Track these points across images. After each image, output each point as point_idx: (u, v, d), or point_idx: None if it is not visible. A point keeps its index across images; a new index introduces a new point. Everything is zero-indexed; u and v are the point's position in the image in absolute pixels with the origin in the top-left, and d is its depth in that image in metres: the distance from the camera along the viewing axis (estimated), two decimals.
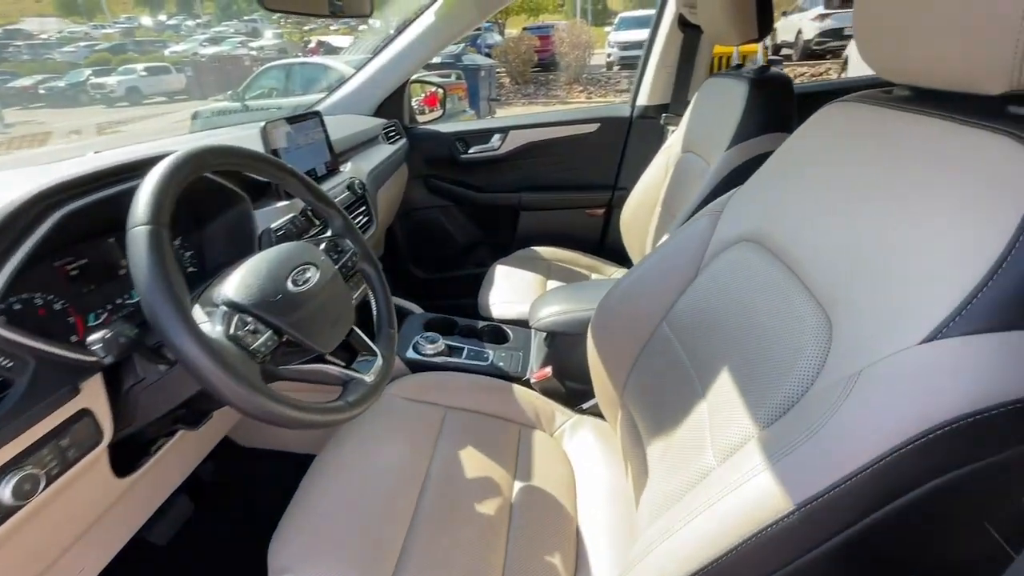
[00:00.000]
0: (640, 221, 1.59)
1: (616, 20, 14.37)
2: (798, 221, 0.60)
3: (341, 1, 0.93)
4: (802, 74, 9.16)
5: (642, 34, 12.69)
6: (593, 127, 1.79)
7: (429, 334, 1.24)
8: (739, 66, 1.34)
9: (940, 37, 0.46)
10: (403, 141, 1.73)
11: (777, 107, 1.15)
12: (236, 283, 0.59)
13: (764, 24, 1.14)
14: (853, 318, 0.46)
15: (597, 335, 0.93)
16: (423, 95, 2.05)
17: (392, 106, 1.75)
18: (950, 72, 0.47)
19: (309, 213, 0.95)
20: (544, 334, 1.19)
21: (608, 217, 1.91)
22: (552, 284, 1.57)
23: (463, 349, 1.23)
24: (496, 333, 1.34)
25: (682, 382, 0.69)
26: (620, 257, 1.83)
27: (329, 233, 0.84)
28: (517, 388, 1.08)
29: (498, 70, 10.63)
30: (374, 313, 0.85)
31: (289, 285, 0.63)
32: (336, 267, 0.74)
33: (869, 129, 0.58)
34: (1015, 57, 0.40)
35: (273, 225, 0.87)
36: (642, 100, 1.75)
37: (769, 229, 0.65)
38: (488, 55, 11.34)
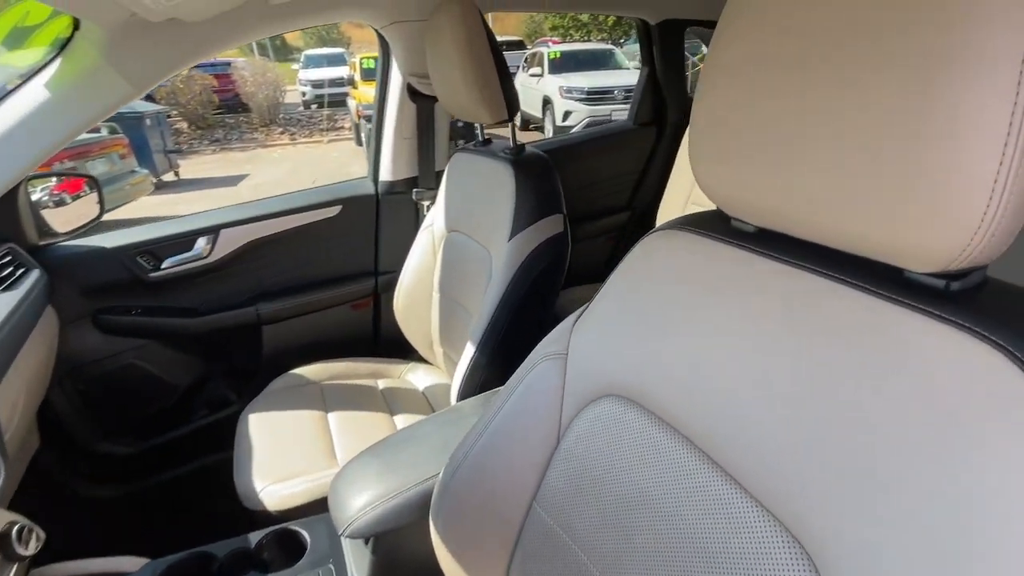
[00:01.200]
0: (418, 309, 1.38)
1: (303, 58, 13.77)
2: (682, 381, 0.49)
3: None
4: None
5: (334, 72, 12.55)
6: (335, 210, 1.48)
7: None
8: (487, 141, 1.25)
9: (844, 188, 0.36)
10: (34, 275, 1.10)
11: (548, 188, 1.09)
12: None
13: (512, 103, 1.06)
14: (851, 554, 0.34)
15: (444, 529, 0.69)
16: (54, 181, 1.37)
17: None
18: (853, 236, 0.38)
19: None
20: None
21: (377, 306, 1.64)
22: (337, 420, 1.21)
23: None
24: (283, 543, 0.93)
25: None
26: (401, 349, 1.58)
27: None
28: None
29: (170, 115, 8.87)
30: None
31: None
32: None
33: (725, 272, 0.49)
34: (979, 231, 0.31)
35: None
36: (385, 175, 1.53)
37: (642, 385, 0.53)
38: (152, 98, 9.33)
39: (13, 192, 1.11)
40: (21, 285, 1.04)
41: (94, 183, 1.36)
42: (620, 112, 7.26)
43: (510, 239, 1.06)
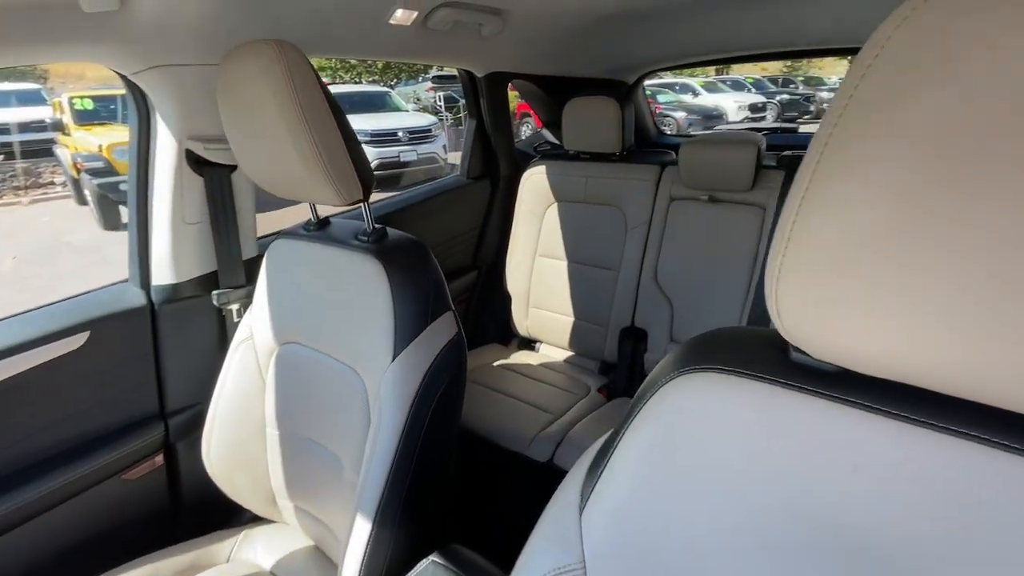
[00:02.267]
0: (246, 452, 1.03)
1: None
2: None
3: None
4: None
5: (24, 112, 9.82)
6: (79, 340, 0.96)
7: None
8: (323, 222, 0.95)
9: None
10: None
11: (432, 282, 0.85)
12: None
13: (367, 178, 0.80)
14: None
15: None
16: None
17: None
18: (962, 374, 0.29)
19: None
20: None
21: (172, 463, 1.13)
22: None
23: None
24: None
25: None
26: (220, 515, 1.15)
27: None
28: None
29: None
30: None
31: None
32: None
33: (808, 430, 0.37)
34: None
35: None
36: (163, 278, 1.05)
37: None
38: None
39: None
40: None
41: None
42: (407, 154, 7.27)
43: (394, 359, 0.79)
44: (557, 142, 1.99)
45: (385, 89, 10.05)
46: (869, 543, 0.34)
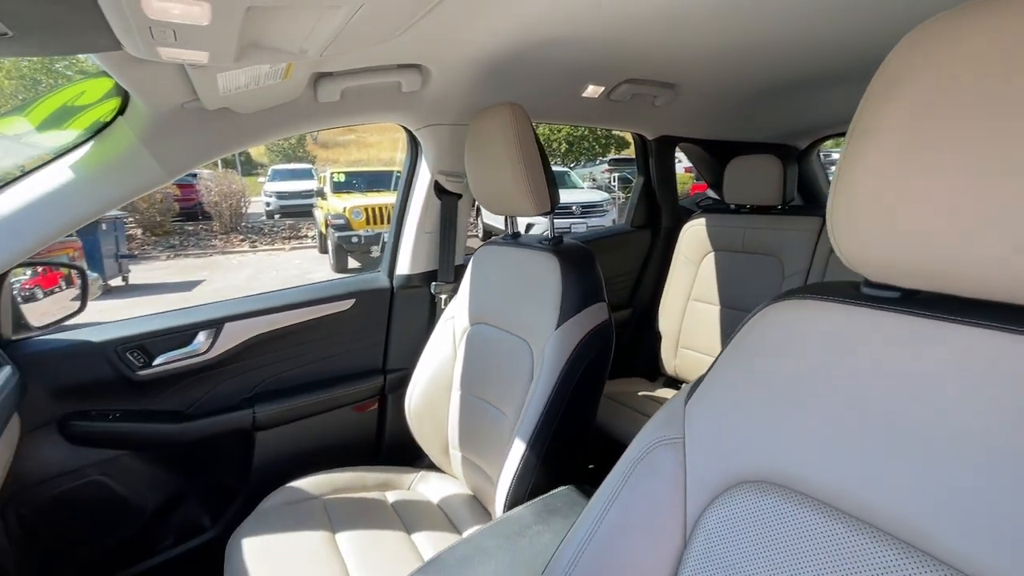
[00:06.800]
0: (434, 409, 1.28)
1: (269, 172, 14.25)
2: (830, 455, 0.45)
3: None
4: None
5: (298, 185, 13.04)
6: (347, 304, 1.41)
7: None
8: (516, 235, 1.26)
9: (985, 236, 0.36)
10: (5, 372, 0.94)
11: (592, 276, 1.08)
12: None
13: (554, 195, 1.09)
14: None
15: None
16: (26, 276, 1.24)
17: None
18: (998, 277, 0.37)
19: None
20: None
21: (383, 409, 1.50)
22: (347, 542, 1.04)
23: None
24: None
25: None
26: (407, 455, 1.43)
27: None
28: None
29: (126, 220, 8.67)
30: None
31: None
32: None
33: (866, 334, 0.46)
34: None
35: None
36: (403, 269, 1.49)
37: (782, 466, 0.48)
38: None
39: None
40: None
41: (81, 274, 1.24)
42: (578, 226, 7.79)
43: (557, 328, 1.02)
44: (718, 197, 2.13)
45: (565, 169, 11.07)
46: (934, 434, 0.40)
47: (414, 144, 1.44)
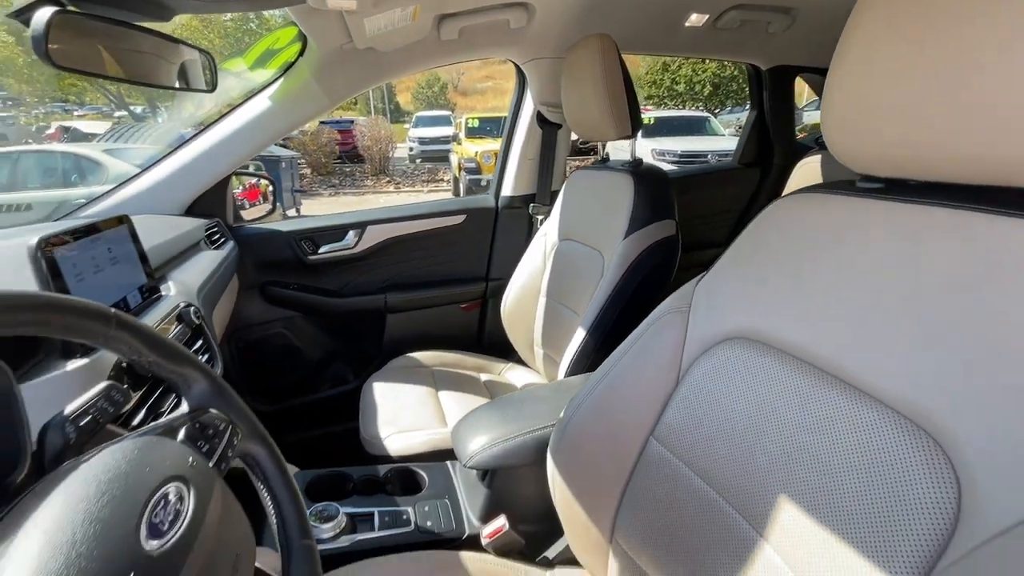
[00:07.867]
0: (524, 312, 1.50)
1: (413, 118, 15.33)
2: (818, 320, 0.53)
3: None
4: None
5: (439, 131, 13.83)
6: (459, 219, 1.69)
7: (317, 506, 0.89)
8: (604, 160, 1.39)
9: (962, 123, 0.42)
10: (231, 245, 1.37)
11: (663, 196, 1.19)
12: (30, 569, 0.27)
13: (636, 121, 1.20)
14: (990, 448, 0.38)
15: (562, 462, 0.75)
16: (239, 189, 1.70)
17: (209, 203, 1.39)
18: (975, 162, 0.43)
19: (128, 381, 0.59)
20: (476, 472, 0.95)
21: (484, 308, 1.79)
22: (445, 396, 1.34)
23: (372, 516, 0.91)
24: (405, 479, 1.04)
25: (714, 520, 0.56)
26: (502, 350, 1.70)
27: (183, 408, 0.50)
28: (465, 555, 0.81)
29: (299, 161, 10.16)
30: (270, 517, 0.53)
31: (145, 540, 0.32)
32: (212, 467, 0.43)
33: (855, 219, 0.53)
34: None
35: (67, 410, 0.47)
36: (507, 191, 1.72)
37: (769, 327, 0.57)
38: (285, 146, 10.82)
39: (224, 181, 1.41)
40: (224, 249, 1.30)
41: (272, 183, 1.68)
42: None
43: (624, 238, 1.17)
44: None
45: (706, 115, 10.27)
46: (925, 305, 0.44)
47: (521, 78, 1.61)
